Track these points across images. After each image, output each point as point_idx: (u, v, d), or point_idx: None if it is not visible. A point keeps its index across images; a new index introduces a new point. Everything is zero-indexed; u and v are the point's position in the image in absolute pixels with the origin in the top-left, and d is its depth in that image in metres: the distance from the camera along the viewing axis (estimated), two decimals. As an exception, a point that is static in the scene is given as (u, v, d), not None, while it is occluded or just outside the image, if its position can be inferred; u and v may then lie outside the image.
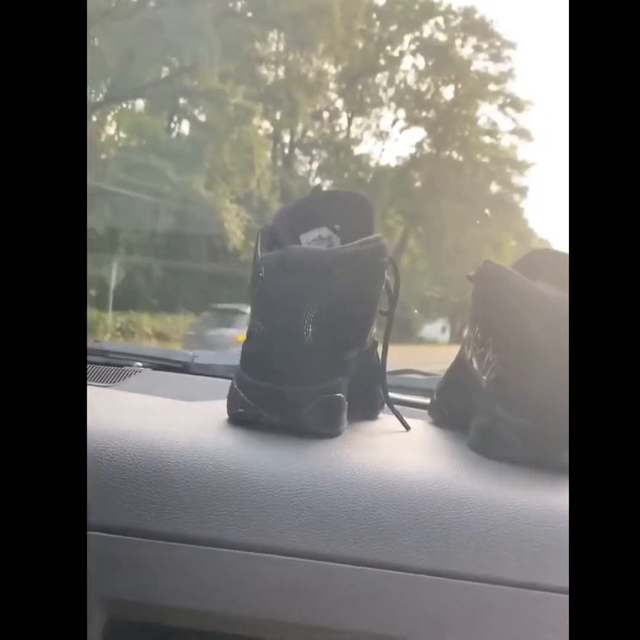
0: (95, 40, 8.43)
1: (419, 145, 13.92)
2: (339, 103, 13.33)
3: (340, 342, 0.43)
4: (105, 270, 7.49)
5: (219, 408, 0.46)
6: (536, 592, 0.34)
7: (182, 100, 10.48)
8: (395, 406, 0.51)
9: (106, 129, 9.60)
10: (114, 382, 0.66)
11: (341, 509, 0.35)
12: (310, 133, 12.89)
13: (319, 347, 0.41)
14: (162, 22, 8.57)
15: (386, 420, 0.53)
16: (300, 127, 12.38)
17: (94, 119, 9.00)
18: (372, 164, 13.65)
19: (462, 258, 11.37)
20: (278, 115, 11.86)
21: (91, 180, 7.49)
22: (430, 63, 13.78)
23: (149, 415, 0.45)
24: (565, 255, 0.47)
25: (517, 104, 13.92)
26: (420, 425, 0.53)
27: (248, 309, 0.48)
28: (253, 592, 0.34)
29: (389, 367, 0.51)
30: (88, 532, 0.35)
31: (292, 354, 0.41)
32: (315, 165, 13.19)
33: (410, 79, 13.83)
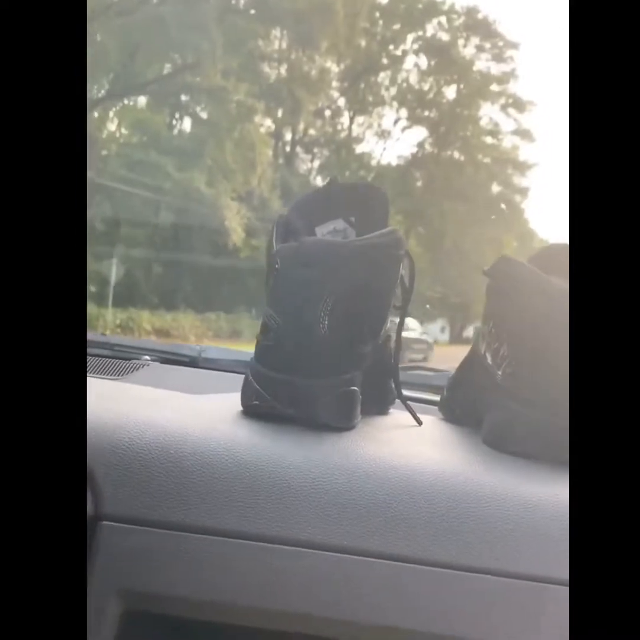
0: (97, 35, 8.42)
1: (420, 144, 13.93)
2: (341, 101, 13.33)
3: (355, 335, 0.42)
4: (106, 267, 7.49)
5: (232, 401, 0.46)
6: (553, 586, 0.33)
7: (184, 97, 10.47)
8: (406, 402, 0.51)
9: (108, 125, 9.58)
10: (122, 375, 0.66)
11: (358, 502, 0.35)
12: (312, 131, 12.88)
13: (335, 339, 0.41)
14: (165, 19, 8.55)
15: (397, 415, 0.53)
16: (302, 125, 12.37)
17: (96, 114, 8.99)
18: (374, 162, 13.65)
19: (463, 258, 11.38)
20: (280, 113, 11.86)
21: (92, 176, 7.49)
22: (432, 62, 13.78)
23: (161, 406, 0.45)
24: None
25: (519, 105, 13.94)
26: (431, 421, 0.53)
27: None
28: (269, 584, 0.34)
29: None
30: (103, 523, 0.34)
31: (308, 346, 0.41)
32: (316, 163, 13.19)
33: (413, 78, 13.84)
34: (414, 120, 13.91)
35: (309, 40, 10.99)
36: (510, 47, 13.62)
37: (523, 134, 14.11)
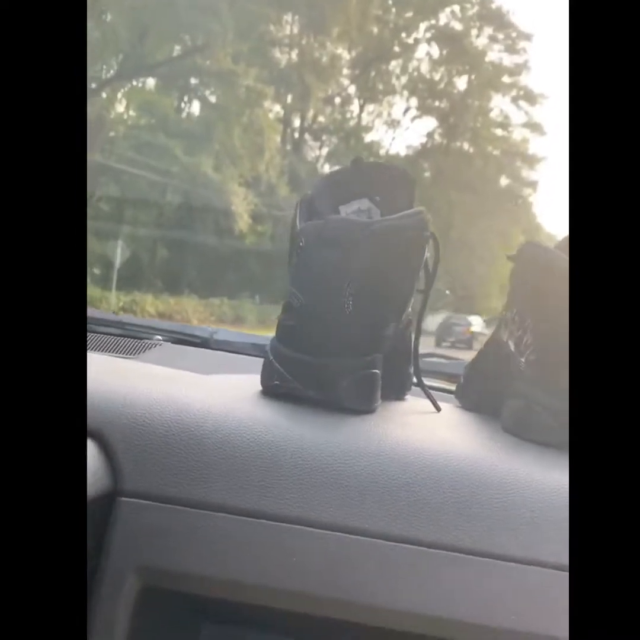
0: (107, 15, 8.34)
1: (430, 135, 13.82)
2: (351, 89, 13.22)
3: (379, 316, 0.42)
4: (110, 249, 7.47)
5: (249, 381, 0.46)
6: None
7: (193, 80, 10.39)
8: (419, 389, 0.50)
9: (116, 106, 9.51)
10: (134, 354, 0.65)
11: (380, 485, 0.34)
12: (321, 118, 12.79)
13: (358, 321, 0.40)
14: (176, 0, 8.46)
15: (414, 400, 0.52)
16: (311, 112, 12.27)
17: (104, 95, 8.93)
18: (382, 152, 13.55)
19: (469, 250, 11.33)
20: (289, 99, 11.76)
21: (99, 157, 7.46)
22: (444, 52, 13.63)
23: (178, 385, 0.44)
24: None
25: (530, 97, 13.80)
26: (448, 408, 0.52)
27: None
28: (288, 565, 0.33)
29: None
30: (122, 499, 0.34)
31: (331, 327, 0.40)
32: (324, 151, 13.11)
33: (424, 67, 13.70)
34: (424, 110, 13.79)
35: (320, 26, 10.87)
36: (524, 39, 13.47)
37: (533, 127, 13.98)
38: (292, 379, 0.41)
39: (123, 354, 0.66)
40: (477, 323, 8.71)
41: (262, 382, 0.43)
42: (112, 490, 0.34)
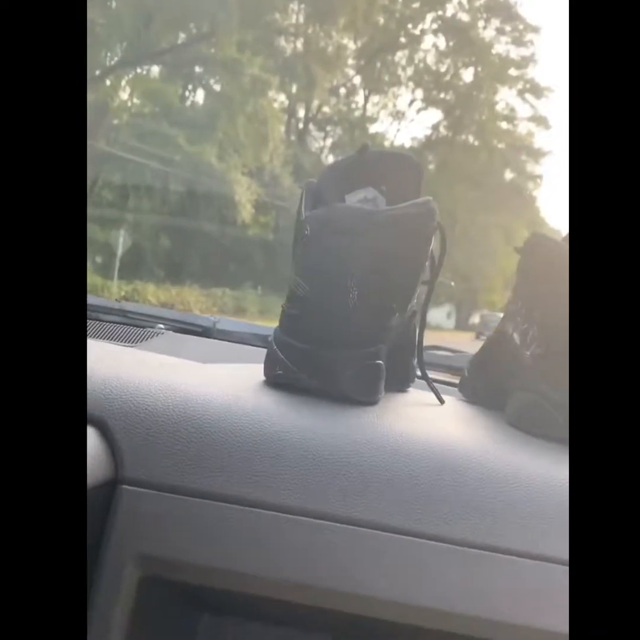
0: (112, 2, 8.27)
1: (435, 127, 13.74)
2: (357, 80, 13.13)
3: (384, 307, 0.41)
4: (113, 238, 7.46)
5: (252, 370, 0.45)
6: None
7: (197, 68, 10.32)
8: (422, 381, 0.50)
9: (120, 94, 9.45)
10: (136, 342, 0.65)
11: (382, 477, 0.34)
12: (326, 109, 12.71)
13: (362, 311, 0.40)
14: (181, -14, 8.38)
15: (417, 393, 0.52)
16: (316, 102, 12.19)
17: (108, 83, 8.87)
18: (387, 143, 13.48)
19: (472, 244, 11.30)
20: (294, 89, 11.69)
21: (102, 145, 7.43)
22: (451, 43, 13.52)
23: (181, 373, 0.44)
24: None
25: (536, 90, 13.71)
26: (452, 401, 0.52)
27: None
28: (288, 555, 0.33)
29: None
30: (123, 486, 0.34)
31: (336, 317, 0.40)
32: (329, 141, 13.04)
33: (430, 59, 13.60)
34: (429, 102, 13.69)
35: (326, 15, 10.78)
36: (531, 31, 13.35)
37: (539, 120, 13.89)
38: (296, 369, 0.40)
39: (125, 342, 0.65)
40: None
41: (265, 372, 0.43)
42: (113, 478, 0.34)
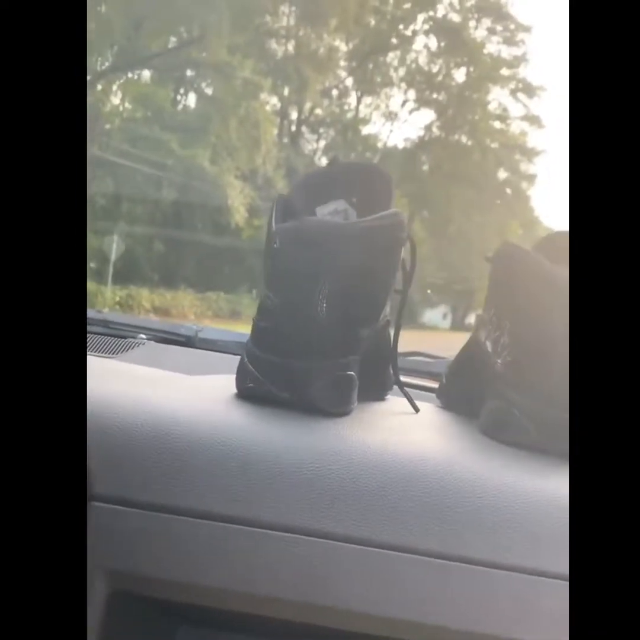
0: (102, 7, 8.26)
1: (428, 127, 13.75)
2: (349, 81, 13.13)
3: (354, 318, 0.42)
4: (106, 243, 7.44)
5: (226, 382, 0.45)
6: (548, 580, 0.33)
7: (189, 72, 10.31)
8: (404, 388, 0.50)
9: (111, 99, 9.44)
10: (116, 353, 0.65)
11: (351, 489, 0.34)
12: (318, 111, 12.71)
13: (332, 323, 0.40)
14: (172, -10, 8.38)
15: (394, 401, 0.52)
16: (308, 105, 12.20)
17: (99, 88, 8.86)
18: (380, 145, 13.49)
19: (467, 244, 11.32)
20: (286, 91, 11.69)
21: (94, 151, 7.41)
22: (442, 44, 13.54)
23: (155, 387, 0.44)
24: None
25: (529, 90, 13.73)
26: (429, 408, 0.52)
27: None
28: (259, 569, 0.33)
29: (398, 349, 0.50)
30: (93, 503, 0.34)
31: (305, 329, 0.40)
32: (322, 143, 13.03)
33: (422, 59, 13.61)
34: (421, 102, 13.71)
35: (317, 17, 10.79)
36: (522, 31, 13.38)
37: (532, 119, 13.92)
38: (266, 381, 0.41)
39: (105, 353, 0.65)
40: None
41: (237, 385, 0.43)
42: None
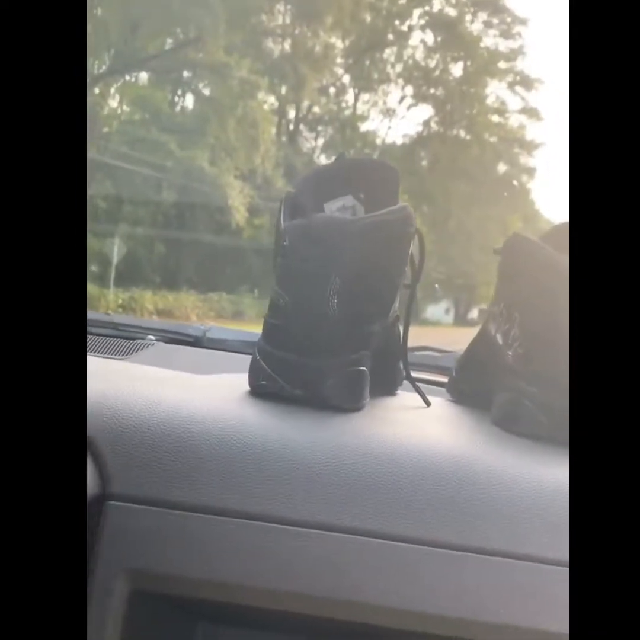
0: (98, 10, 8.26)
1: (426, 123, 13.73)
2: (346, 78, 13.11)
3: (364, 314, 0.42)
4: (107, 246, 7.46)
5: (238, 380, 0.46)
6: (562, 568, 0.33)
7: (186, 73, 10.31)
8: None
9: (109, 102, 9.44)
10: (126, 355, 0.65)
11: (367, 483, 0.35)
12: (316, 109, 12.70)
13: (343, 319, 0.40)
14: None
15: (405, 396, 0.52)
16: (306, 103, 12.19)
17: (97, 91, 8.86)
18: (379, 141, 13.48)
19: (468, 239, 11.30)
20: (284, 90, 11.68)
21: (93, 154, 7.42)
22: (439, 39, 13.51)
23: (169, 386, 0.45)
24: None
25: (526, 83, 13.69)
26: (440, 402, 0.53)
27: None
28: (276, 565, 0.34)
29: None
30: (110, 502, 0.34)
31: (316, 325, 0.40)
32: (320, 141, 13.02)
33: (419, 54, 13.58)
34: (419, 98, 13.69)
35: (313, 15, 10.77)
36: (519, 23, 13.34)
37: (530, 112, 13.89)
38: (279, 379, 0.41)
39: (115, 355, 0.66)
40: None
41: (250, 382, 0.43)
42: (100, 494, 0.34)
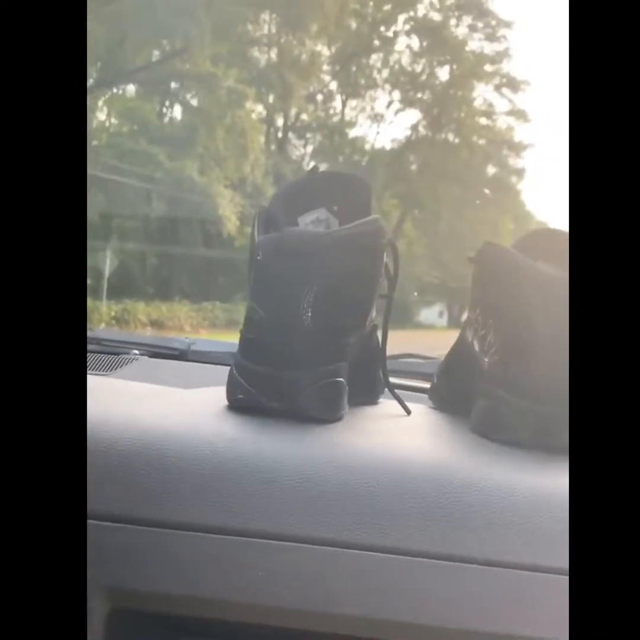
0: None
1: (414, 127, 13.79)
2: (333, 85, 13.17)
3: (339, 326, 0.42)
4: (99, 259, 7.44)
5: (218, 394, 0.46)
6: (539, 575, 0.33)
7: (173, 85, 10.34)
8: (396, 390, 0.51)
9: (97, 115, 9.46)
10: (110, 371, 0.65)
11: (344, 494, 0.35)
12: (304, 116, 12.74)
13: (318, 331, 0.41)
14: (153, 4, 8.42)
15: (386, 404, 0.52)
16: (293, 111, 12.23)
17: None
18: (368, 147, 13.53)
19: (460, 241, 11.35)
20: (271, 99, 11.73)
21: (83, 167, 7.39)
22: (424, 43, 13.60)
23: (147, 402, 0.45)
24: (567, 234, 0.46)
25: (513, 84, 13.79)
26: (421, 410, 0.53)
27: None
28: (256, 579, 0.34)
29: (389, 352, 0.51)
30: (88, 521, 0.34)
31: (291, 338, 0.41)
32: (309, 148, 13.06)
33: (405, 59, 13.66)
34: (407, 102, 13.77)
35: (298, 23, 10.84)
36: (503, 26, 13.45)
37: (518, 114, 13.98)
38: (256, 392, 0.41)
39: (99, 370, 0.66)
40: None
41: (228, 397, 0.44)
42: None
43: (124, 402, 0.44)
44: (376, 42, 13.38)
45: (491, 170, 14.23)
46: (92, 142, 8.53)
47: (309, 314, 0.40)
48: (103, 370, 0.66)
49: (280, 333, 0.41)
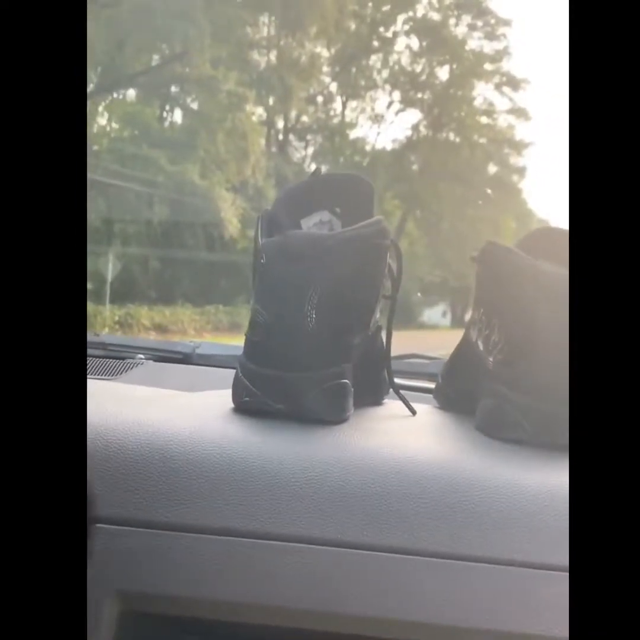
0: (84, 29, 8.29)
1: (415, 127, 13.80)
2: (333, 87, 13.19)
3: (343, 327, 0.42)
4: (102, 263, 7.46)
5: (224, 397, 0.46)
6: (547, 572, 0.33)
7: (173, 88, 10.37)
8: (401, 391, 0.51)
9: (98, 120, 9.49)
10: (116, 375, 0.66)
11: (351, 495, 0.35)
12: (304, 118, 12.76)
13: (322, 333, 0.41)
14: (152, 8, 8.44)
15: (391, 405, 0.53)
16: (294, 113, 12.25)
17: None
18: (368, 147, 13.54)
19: (462, 241, 11.33)
20: (271, 101, 11.74)
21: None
22: (424, 43, 13.60)
23: (153, 406, 0.45)
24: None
25: (513, 83, 13.78)
26: (426, 410, 0.53)
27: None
28: (264, 580, 0.34)
29: (393, 352, 0.51)
30: (97, 525, 0.34)
31: (296, 341, 0.41)
32: (310, 150, 13.08)
33: (405, 60, 13.66)
34: (407, 102, 13.77)
35: (297, 25, 10.86)
36: (503, 25, 13.45)
37: (518, 112, 13.97)
38: (262, 394, 0.41)
39: (105, 375, 0.66)
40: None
41: (233, 399, 0.44)
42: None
43: (130, 406, 0.45)
44: (375, 43, 13.40)
45: (492, 169, 14.22)
46: (93, 147, 8.56)
47: (314, 316, 0.40)
48: (109, 375, 0.66)
49: (284, 335, 0.41)
